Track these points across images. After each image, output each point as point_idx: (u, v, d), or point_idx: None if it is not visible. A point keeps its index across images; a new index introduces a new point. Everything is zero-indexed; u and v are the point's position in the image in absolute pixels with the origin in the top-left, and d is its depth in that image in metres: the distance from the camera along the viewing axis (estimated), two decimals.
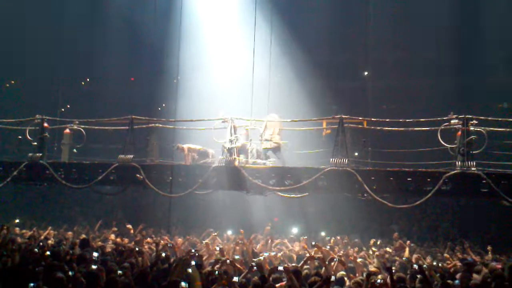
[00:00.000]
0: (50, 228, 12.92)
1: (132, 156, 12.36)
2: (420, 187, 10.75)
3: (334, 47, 18.79)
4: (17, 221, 13.03)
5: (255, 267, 7.84)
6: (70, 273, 7.45)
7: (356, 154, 12.66)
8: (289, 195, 12.43)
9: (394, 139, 12.80)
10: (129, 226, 13.21)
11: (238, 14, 17.57)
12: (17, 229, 12.56)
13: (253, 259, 8.74)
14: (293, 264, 9.05)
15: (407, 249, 11.45)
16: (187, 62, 16.86)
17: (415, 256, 10.17)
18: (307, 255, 9.49)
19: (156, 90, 17.52)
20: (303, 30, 18.55)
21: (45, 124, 13.18)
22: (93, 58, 18.95)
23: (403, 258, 10.11)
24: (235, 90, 15.89)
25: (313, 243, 10.92)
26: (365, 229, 15.81)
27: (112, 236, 11.99)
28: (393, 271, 7.83)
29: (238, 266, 8.59)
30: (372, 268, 8.99)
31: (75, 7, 19.30)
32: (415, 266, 8.17)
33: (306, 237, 13.23)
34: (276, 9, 16.85)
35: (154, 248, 10.02)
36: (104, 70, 18.88)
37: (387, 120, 11.98)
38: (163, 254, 9.16)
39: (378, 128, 12.04)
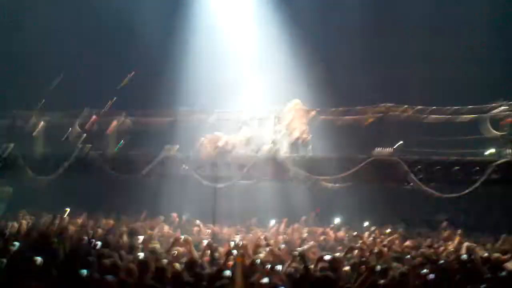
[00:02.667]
0: (100, 217, 13.33)
1: (178, 146, 12.60)
2: (468, 176, 10.51)
3: (377, 35, 18.46)
4: (67, 210, 13.47)
5: (298, 257, 7.86)
6: (119, 261, 7.71)
7: (400, 143, 12.48)
8: (332, 185, 12.39)
9: (437, 127, 12.53)
10: (174, 215, 13.47)
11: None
12: (67, 218, 12.99)
13: (297, 248, 8.79)
14: (337, 254, 9.03)
15: (457, 238, 11.20)
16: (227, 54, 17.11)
17: (465, 245, 9.93)
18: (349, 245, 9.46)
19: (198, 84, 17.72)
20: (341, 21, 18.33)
21: (94, 117, 13.60)
22: (137, 52, 19.26)
23: (451, 248, 9.92)
24: (274, 79, 15.98)
25: (355, 233, 10.86)
26: (411, 219, 15.57)
27: (165, 227, 12.25)
28: (441, 262, 7.73)
29: (282, 255, 8.64)
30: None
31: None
32: (465, 256, 8.02)
33: (347, 227, 13.17)
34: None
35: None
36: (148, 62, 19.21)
37: (432, 108, 11.78)
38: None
39: (424, 115, 11.84)
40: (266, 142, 12.37)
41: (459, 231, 11.98)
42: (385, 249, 9.30)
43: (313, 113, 12.48)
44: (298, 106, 12.32)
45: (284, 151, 12.08)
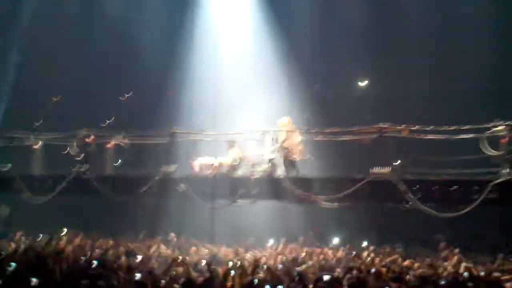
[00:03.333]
0: (98, 238, 13.26)
1: (174, 168, 12.58)
2: (466, 195, 10.50)
3: (370, 52, 18.58)
4: (65, 230, 13.44)
5: (297, 277, 7.83)
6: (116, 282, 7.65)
7: (397, 162, 12.49)
8: (330, 205, 12.35)
9: (436, 146, 12.56)
10: (172, 235, 13.40)
11: (272, 20, 17.88)
12: (64, 238, 12.91)
13: (296, 268, 8.75)
14: (336, 274, 8.99)
15: (455, 258, 11.16)
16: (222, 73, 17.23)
17: (463, 265, 9.90)
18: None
19: (194, 104, 17.77)
20: (339, 38, 18.49)
21: (90, 138, 13.60)
22: (130, 73, 19.37)
23: (451, 268, 9.88)
24: (270, 99, 16.06)
25: (353, 253, 10.79)
26: (409, 239, 15.51)
27: (163, 247, 12.19)
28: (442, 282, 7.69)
29: (281, 275, 8.59)
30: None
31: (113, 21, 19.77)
32: (465, 274, 7.98)
33: (346, 246, 13.11)
34: (311, 15, 16.99)
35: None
36: (142, 84, 19.33)
37: (429, 128, 11.80)
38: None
39: (420, 136, 11.85)
40: (261, 161, 12.38)
41: (457, 251, 11.95)
42: (384, 269, 9.26)
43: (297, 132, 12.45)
44: (287, 124, 12.31)
45: (281, 170, 12.04)
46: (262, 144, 12.43)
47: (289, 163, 12.11)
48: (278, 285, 7.70)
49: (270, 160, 11.81)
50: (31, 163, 14.49)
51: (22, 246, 10.39)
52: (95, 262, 8.69)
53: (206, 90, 17.52)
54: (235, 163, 12.59)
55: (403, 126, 11.98)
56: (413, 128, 11.81)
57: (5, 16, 19.99)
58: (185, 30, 18.57)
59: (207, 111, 16.56)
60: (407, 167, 12.21)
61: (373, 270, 8.67)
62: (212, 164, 12.95)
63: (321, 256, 11.75)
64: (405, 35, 18.02)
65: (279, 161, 11.98)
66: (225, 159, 12.83)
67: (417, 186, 10.84)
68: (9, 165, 14.35)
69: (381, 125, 11.26)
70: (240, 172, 12.53)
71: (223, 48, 18.08)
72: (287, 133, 12.06)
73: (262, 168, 12.12)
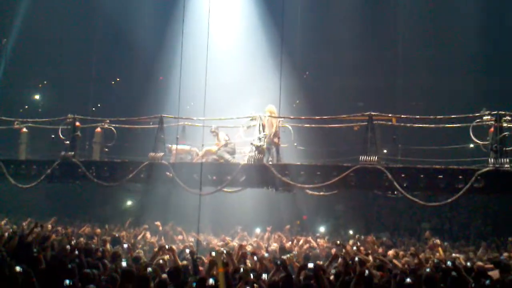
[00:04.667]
0: (84, 225, 13.19)
1: (162, 154, 12.51)
2: (452, 184, 10.53)
3: (362, 44, 18.59)
4: (54, 219, 13.32)
5: (281, 265, 7.82)
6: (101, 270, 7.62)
7: (385, 151, 12.53)
8: (318, 193, 12.38)
9: (424, 136, 12.62)
10: (158, 223, 13.35)
11: (263, 9, 17.72)
12: (50, 226, 12.84)
13: (282, 257, 8.75)
14: (321, 262, 9.02)
15: (440, 249, 11.26)
16: (214, 60, 17.07)
17: (448, 253, 9.95)
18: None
19: (183, 89, 17.67)
20: (331, 28, 18.44)
21: (77, 123, 13.45)
22: (122, 58, 19.22)
23: (435, 260, 9.93)
24: (259, 87, 15.98)
25: (338, 242, 10.82)
26: (395, 228, 15.64)
27: (148, 235, 12.15)
28: (425, 270, 7.73)
29: (266, 263, 8.61)
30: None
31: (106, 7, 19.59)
32: (449, 263, 8.03)
33: (333, 235, 13.20)
34: (303, 6, 16.83)
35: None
36: (133, 69, 19.18)
37: (417, 117, 11.84)
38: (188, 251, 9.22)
39: (409, 125, 11.89)
40: (246, 148, 12.39)
41: (439, 241, 12.04)
42: (369, 257, 9.30)
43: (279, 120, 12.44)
44: (271, 111, 12.27)
45: (266, 157, 12.02)
46: (250, 131, 12.40)
47: (272, 149, 12.11)
48: (263, 273, 7.72)
49: (257, 147, 11.76)
50: (17, 148, 14.35)
51: (6, 234, 10.26)
52: (76, 251, 8.64)
53: (197, 77, 17.41)
54: (220, 150, 12.55)
55: (391, 115, 12.04)
56: (402, 116, 11.86)
57: None
58: (176, 17, 18.38)
59: (196, 97, 16.46)
60: (394, 155, 12.28)
61: (357, 258, 8.67)
62: (189, 150, 12.92)
63: (306, 245, 11.78)
64: (399, 26, 18.03)
65: (265, 147, 11.96)
66: (211, 146, 12.80)
67: (404, 174, 10.88)
68: None
69: (371, 112, 11.22)
70: (225, 158, 12.48)
71: (214, 34, 17.93)
72: (270, 120, 12.03)
73: (248, 155, 12.09)
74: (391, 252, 10.84)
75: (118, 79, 17.13)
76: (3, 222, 13.27)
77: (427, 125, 11.82)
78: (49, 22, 19.16)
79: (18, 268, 6.94)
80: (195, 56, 17.59)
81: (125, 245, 9.84)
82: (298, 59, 18.04)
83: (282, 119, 12.66)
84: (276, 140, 12.08)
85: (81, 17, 19.67)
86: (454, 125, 11.13)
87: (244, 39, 17.81)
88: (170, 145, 12.88)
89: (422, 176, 10.85)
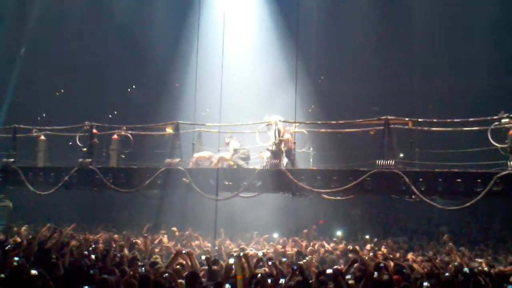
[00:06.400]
0: (101, 231, 13.28)
1: (178, 160, 12.58)
2: (470, 188, 10.41)
3: (378, 48, 18.50)
4: (73, 226, 13.43)
5: (297, 271, 7.79)
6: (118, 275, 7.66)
7: (402, 155, 12.43)
8: (334, 197, 12.32)
9: (441, 139, 12.50)
10: (174, 228, 13.39)
11: (277, 14, 17.73)
12: (69, 232, 12.95)
13: (299, 262, 8.72)
14: (338, 267, 8.96)
15: (455, 253, 11.12)
16: (229, 66, 17.11)
17: (467, 257, 9.83)
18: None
19: (198, 95, 17.77)
20: (346, 32, 18.40)
21: (94, 131, 13.60)
22: (138, 66, 19.39)
23: (455, 263, 9.80)
24: (274, 92, 15.98)
25: (350, 247, 10.75)
26: (413, 232, 15.48)
27: (165, 240, 12.20)
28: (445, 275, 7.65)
29: (283, 268, 8.58)
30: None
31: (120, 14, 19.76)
32: (466, 270, 7.92)
33: (350, 239, 13.10)
34: (318, 11, 16.82)
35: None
36: (148, 77, 19.32)
37: (434, 120, 11.75)
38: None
39: (426, 128, 11.80)
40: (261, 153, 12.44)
41: (453, 245, 11.89)
42: (388, 262, 9.22)
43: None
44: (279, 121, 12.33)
45: (282, 162, 12.02)
46: (265, 137, 12.42)
47: (287, 155, 12.12)
48: (281, 278, 7.69)
49: (273, 152, 11.77)
50: (35, 155, 14.52)
51: (25, 240, 10.38)
52: (92, 256, 8.70)
53: (212, 83, 17.49)
54: (235, 156, 12.60)
55: (408, 119, 11.96)
56: (419, 120, 11.77)
57: (11, 12, 20.05)
58: (190, 24, 18.50)
59: (212, 104, 16.53)
60: (411, 159, 12.18)
61: (379, 263, 8.60)
62: (209, 157, 12.99)
63: (323, 250, 11.72)
64: (414, 28, 17.90)
65: (281, 153, 11.96)
66: (226, 153, 12.84)
67: (422, 178, 10.77)
68: (13, 158, 14.33)
69: (387, 117, 11.16)
70: (239, 164, 12.52)
71: (229, 40, 17.99)
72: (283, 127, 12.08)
73: (264, 160, 12.11)
74: (409, 256, 10.73)
75: (134, 86, 17.28)
76: (23, 229, 13.42)
77: (444, 129, 11.70)
78: (64, 31, 19.40)
79: (33, 272, 7.03)
80: (210, 62, 17.68)
81: (143, 250, 9.90)
82: (313, 64, 18.00)
83: (298, 124, 12.67)
84: (290, 145, 12.09)
85: (96, 25, 19.87)
86: (472, 128, 11.01)
87: (259, 44, 17.86)
88: (195, 155, 12.96)
89: (440, 180, 10.75)
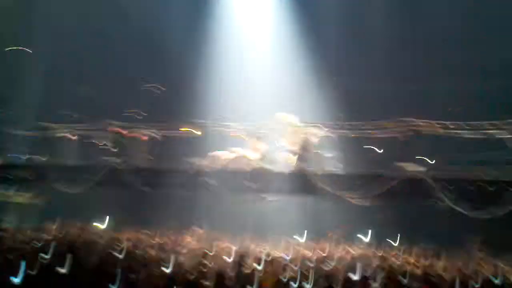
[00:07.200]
0: (128, 231, 13.40)
1: (205, 161, 12.69)
2: (502, 195, 10.20)
3: (394, 47, 18.17)
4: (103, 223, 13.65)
5: (322, 276, 7.76)
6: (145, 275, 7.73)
7: (431, 161, 12.26)
8: (360, 202, 12.21)
9: (471, 144, 12.25)
10: (202, 230, 13.44)
11: (298, 14, 17.73)
12: (98, 230, 13.13)
13: (322, 267, 8.68)
14: (364, 273, 8.87)
15: (483, 262, 10.88)
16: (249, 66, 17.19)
17: (499, 268, 9.58)
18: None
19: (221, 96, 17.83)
20: (366, 31, 18.18)
21: (124, 131, 13.81)
22: (167, 68, 19.50)
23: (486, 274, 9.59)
24: (296, 93, 15.96)
25: (377, 253, 10.64)
26: (441, 239, 15.18)
27: (191, 240, 12.29)
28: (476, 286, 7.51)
29: (308, 273, 8.54)
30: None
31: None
32: (497, 281, 7.75)
33: (376, 245, 12.92)
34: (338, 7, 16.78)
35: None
36: (176, 78, 19.43)
37: (466, 125, 11.52)
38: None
39: (458, 131, 11.58)
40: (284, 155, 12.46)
41: (481, 254, 11.64)
42: (415, 269, 9.10)
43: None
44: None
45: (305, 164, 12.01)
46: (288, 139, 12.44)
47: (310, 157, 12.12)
48: (305, 283, 7.66)
49: (299, 155, 11.76)
50: (66, 154, 14.77)
51: (55, 238, 10.56)
52: (120, 255, 8.81)
53: (234, 83, 17.53)
54: (260, 157, 12.64)
55: (436, 123, 11.79)
56: (449, 125, 11.60)
57: (34, 8, 20.38)
58: (210, 21, 18.60)
59: (233, 104, 16.56)
60: (441, 165, 12.00)
61: (404, 269, 8.52)
62: (235, 157, 13.04)
63: (349, 255, 11.61)
64: (435, 27, 17.58)
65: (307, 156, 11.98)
66: (249, 152, 12.88)
67: (451, 185, 10.60)
68: (44, 156, 14.64)
69: (414, 121, 11.03)
70: (265, 167, 12.56)
71: (248, 40, 18.06)
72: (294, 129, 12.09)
73: (290, 163, 12.13)
74: (436, 264, 10.55)
75: (164, 88, 17.44)
76: (52, 227, 13.64)
77: (473, 133, 11.47)
78: (87, 33, 19.62)
79: (64, 270, 7.17)
80: (233, 61, 17.79)
81: (170, 250, 9.95)
82: (334, 64, 17.86)
83: (323, 126, 12.63)
84: (313, 148, 12.08)
85: (115, 24, 20.01)
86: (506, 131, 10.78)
87: (278, 45, 17.87)
88: (216, 153, 13.07)
89: (470, 187, 10.57)
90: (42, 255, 8.45)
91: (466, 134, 11.54)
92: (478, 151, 11.83)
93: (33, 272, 7.28)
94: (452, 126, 11.67)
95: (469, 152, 11.90)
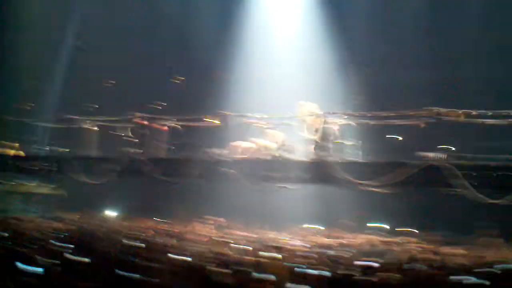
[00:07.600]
0: (147, 220, 13.60)
1: (224, 151, 12.75)
2: None
3: (419, 36, 17.89)
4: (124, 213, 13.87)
5: (340, 262, 7.77)
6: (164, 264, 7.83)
7: (453, 148, 12.09)
8: (380, 190, 12.12)
9: (495, 132, 12.03)
10: (221, 219, 13.58)
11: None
12: (119, 220, 13.35)
13: (342, 255, 8.69)
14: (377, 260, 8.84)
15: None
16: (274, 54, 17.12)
17: None
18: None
19: (244, 86, 17.83)
20: (393, 19, 17.94)
21: (144, 122, 13.95)
22: (186, 59, 19.57)
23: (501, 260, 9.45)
24: (320, 82, 15.89)
25: (392, 240, 10.56)
26: (459, 226, 14.98)
27: (211, 230, 12.41)
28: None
29: (324, 260, 8.55)
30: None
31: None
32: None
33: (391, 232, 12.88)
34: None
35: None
36: (196, 69, 19.50)
37: (489, 113, 11.30)
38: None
39: (480, 120, 11.39)
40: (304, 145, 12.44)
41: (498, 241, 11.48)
42: (434, 256, 9.04)
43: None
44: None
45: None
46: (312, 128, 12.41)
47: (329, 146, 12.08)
48: (324, 271, 7.65)
49: (318, 144, 11.74)
50: (88, 145, 14.97)
51: (77, 229, 10.77)
52: (142, 245, 8.93)
53: (256, 74, 17.51)
54: (280, 146, 12.66)
55: (460, 111, 11.60)
56: (472, 112, 11.40)
57: (59, 4, 20.63)
58: (237, 14, 18.58)
59: (256, 94, 16.54)
60: (464, 152, 11.81)
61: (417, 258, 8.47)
62: (256, 147, 13.06)
63: (361, 242, 11.59)
64: (463, 17, 17.24)
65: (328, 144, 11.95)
66: (270, 142, 12.89)
67: (474, 172, 10.43)
68: (66, 148, 14.88)
69: (439, 108, 10.90)
70: (284, 156, 12.56)
71: (274, 31, 18.00)
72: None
73: (309, 152, 12.12)
74: (454, 251, 10.45)
75: (183, 78, 17.49)
76: (74, 217, 13.90)
77: (498, 121, 11.27)
78: (113, 24, 19.77)
79: (86, 260, 7.31)
80: (255, 52, 17.75)
81: (189, 241, 10.08)
82: (359, 53, 17.69)
83: (344, 115, 12.56)
84: (333, 137, 12.04)
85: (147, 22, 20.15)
86: None
87: (303, 34, 17.78)
88: (236, 142, 13.14)
89: (494, 174, 10.40)
90: (65, 245, 8.63)
91: (489, 121, 11.33)
92: (501, 139, 11.64)
93: (56, 262, 7.43)
94: (474, 113, 11.45)
95: (493, 140, 11.72)
